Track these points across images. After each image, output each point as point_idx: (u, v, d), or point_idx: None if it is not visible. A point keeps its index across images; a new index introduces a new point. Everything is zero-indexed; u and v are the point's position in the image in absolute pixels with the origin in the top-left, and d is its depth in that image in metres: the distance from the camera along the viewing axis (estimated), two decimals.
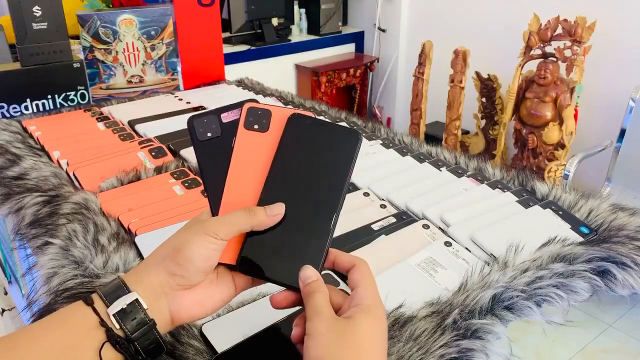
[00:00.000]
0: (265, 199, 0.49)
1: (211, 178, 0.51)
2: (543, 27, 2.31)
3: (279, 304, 0.48)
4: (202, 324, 0.59)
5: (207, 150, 0.51)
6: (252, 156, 0.51)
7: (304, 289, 0.46)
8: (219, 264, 0.48)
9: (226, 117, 0.52)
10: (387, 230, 0.79)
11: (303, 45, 3.33)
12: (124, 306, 0.44)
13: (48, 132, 1.19)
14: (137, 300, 0.44)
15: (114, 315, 0.43)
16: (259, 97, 1.47)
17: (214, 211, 0.50)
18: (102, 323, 0.43)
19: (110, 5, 1.98)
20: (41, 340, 0.42)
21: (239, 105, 0.53)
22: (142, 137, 1.17)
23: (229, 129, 0.52)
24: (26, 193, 0.89)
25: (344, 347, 0.41)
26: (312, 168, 0.50)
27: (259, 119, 0.51)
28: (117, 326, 0.43)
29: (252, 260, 0.48)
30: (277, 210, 0.48)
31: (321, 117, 1.29)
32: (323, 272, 0.67)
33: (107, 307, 0.44)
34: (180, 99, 1.46)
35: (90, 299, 0.44)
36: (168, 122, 1.25)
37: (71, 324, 0.43)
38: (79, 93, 1.56)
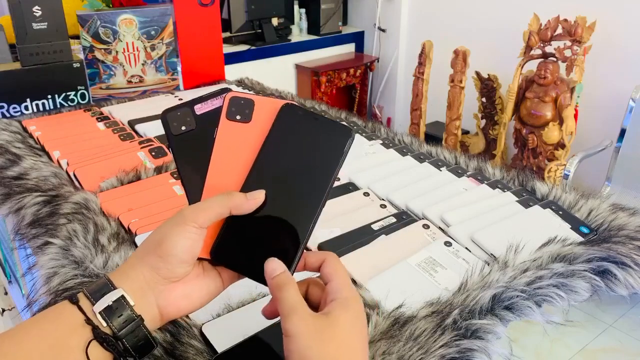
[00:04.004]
0: (246, 188, 0.48)
1: (188, 172, 0.50)
2: (543, 27, 2.31)
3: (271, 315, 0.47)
4: (202, 324, 0.59)
5: (183, 143, 0.51)
6: (234, 147, 0.49)
7: (271, 282, 0.45)
8: (200, 259, 0.48)
9: (200, 109, 0.51)
10: (387, 230, 0.79)
11: (303, 45, 3.33)
12: (110, 303, 0.43)
13: (48, 132, 1.19)
14: (122, 296, 0.43)
15: (99, 312, 0.43)
16: None
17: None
18: (88, 321, 0.42)
19: (110, 5, 1.98)
20: (27, 339, 0.41)
21: (212, 95, 0.51)
22: (142, 137, 1.17)
23: (204, 121, 0.51)
24: (26, 193, 0.89)
25: (325, 348, 0.41)
26: (298, 161, 0.48)
27: (241, 109, 0.50)
28: (104, 324, 0.42)
29: (226, 251, 0.48)
30: (257, 196, 0.47)
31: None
32: None
33: (93, 304, 0.43)
34: (180, 99, 1.46)
35: (76, 298, 0.44)
36: None
37: (57, 323, 0.43)
38: (79, 93, 1.56)
